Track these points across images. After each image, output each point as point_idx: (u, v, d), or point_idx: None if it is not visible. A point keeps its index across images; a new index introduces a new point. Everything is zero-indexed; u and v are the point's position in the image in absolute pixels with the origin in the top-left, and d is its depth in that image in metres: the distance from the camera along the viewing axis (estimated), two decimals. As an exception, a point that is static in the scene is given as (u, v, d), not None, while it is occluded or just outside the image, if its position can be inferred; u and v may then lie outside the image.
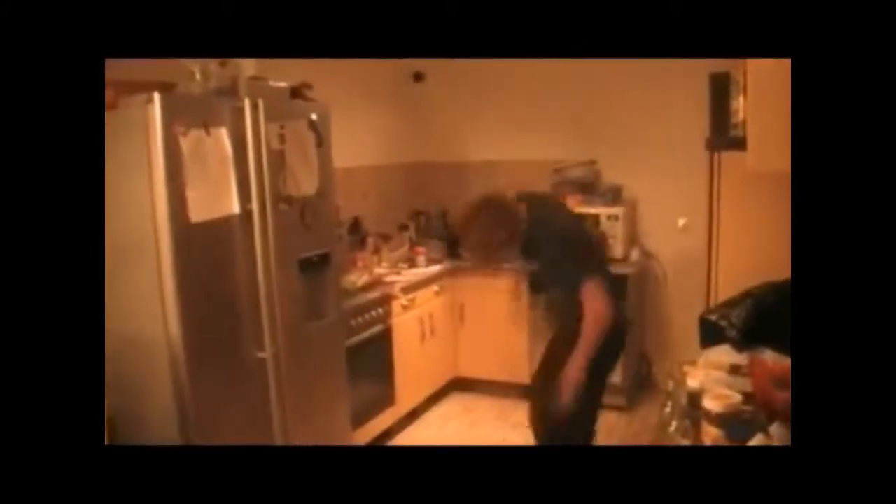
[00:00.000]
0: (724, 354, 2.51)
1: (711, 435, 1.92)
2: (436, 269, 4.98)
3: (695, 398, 2.08)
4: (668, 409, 2.14)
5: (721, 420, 1.92)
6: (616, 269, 4.72)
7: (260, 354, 3.01)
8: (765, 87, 1.94)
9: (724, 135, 2.96)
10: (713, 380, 2.30)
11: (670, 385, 2.31)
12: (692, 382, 2.14)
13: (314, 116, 3.29)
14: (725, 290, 2.78)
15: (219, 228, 2.82)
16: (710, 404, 1.95)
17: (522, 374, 5.03)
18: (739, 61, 2.78)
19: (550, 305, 3.49)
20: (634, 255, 5.06)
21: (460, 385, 5.35)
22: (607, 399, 4.70)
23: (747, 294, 2.59)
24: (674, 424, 2.00)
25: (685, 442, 1.95)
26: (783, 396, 2.02)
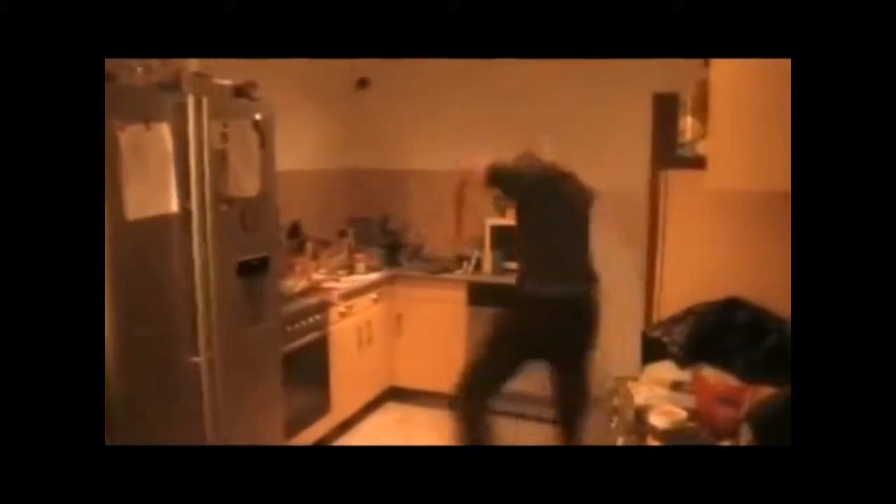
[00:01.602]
0: (666, 371, 2.53)
1: (657, 451, 1.92)
2: (374, 276, 4.93)
3: (641, 414, 2.08)
4: (613, 425, 2.14)
5: (667, 436, 1.92)
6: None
7: (194, 359, 2.92)
8: (725, 108, 1.95)
9: (670, 154, 2.99)
10: (656, 395, 2.31)
11: (615, 400, 2.31)
12: (638, 398, 2.14)
13: (258, 116, 3.21)
14: (668, 307, 2.81)
15: (156, 227, 2.71)
16: (656, 420, 1.95)
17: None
18: (688, 82, 2.82)
19: None
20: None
21: (396, 394, 5.30)
22: (538, 411, 4.74)
23: (689, 312, 2.62)
24: (621, 440, 1.99)
25: (632, 458, 1.94)
26: (726, 414, 2.04)
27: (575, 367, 3.82)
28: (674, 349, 2.54)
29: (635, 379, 2.55)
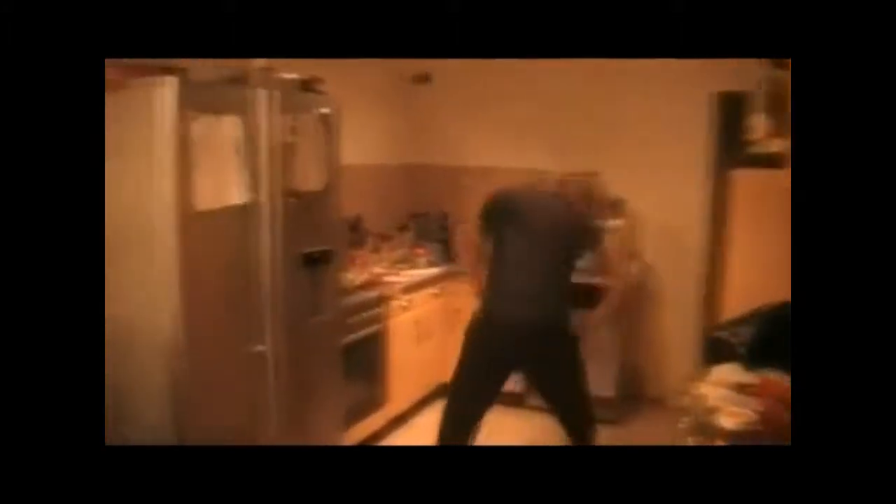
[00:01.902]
0: (731, 372, 2.50)
1: (724, 453, 1.89)
2: (434, 271, 4.94)
3: (709, 415, 2.06)
4: (682, 425, 2.12)
5: (735, 438, 1.90)
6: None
7: (259, 348, 2.96)
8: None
9: (736, 153, 2.95)
10: (721, 397, 2.27)
11: (686, 400, 2.28)
12: (710, 399, 2.12)
13: (327, 110, 3.25)
14: (732, 307, 2.77)
15: (225, 218, 2.77)
16: (724, 422, 1.92)
17: (514, 381, 5.00)
18: (757, 81, 2.78)
19: None
20: (633, 268, 5.04)
21: (451, 390, 5.30)
22: (598, 411, 4.71)
23: (758, 312, 2.58)
24: (690, 441, 1.98)
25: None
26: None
27: (553, 394, 3.57)
28: (741, 350, 2.50)
29: (698, 380, 2.52)
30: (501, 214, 3.41)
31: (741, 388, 2.39)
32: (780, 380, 2.24)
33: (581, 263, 3.60)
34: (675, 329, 5.06)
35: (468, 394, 3.48)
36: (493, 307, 3.39)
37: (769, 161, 2.43)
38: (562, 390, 3.49)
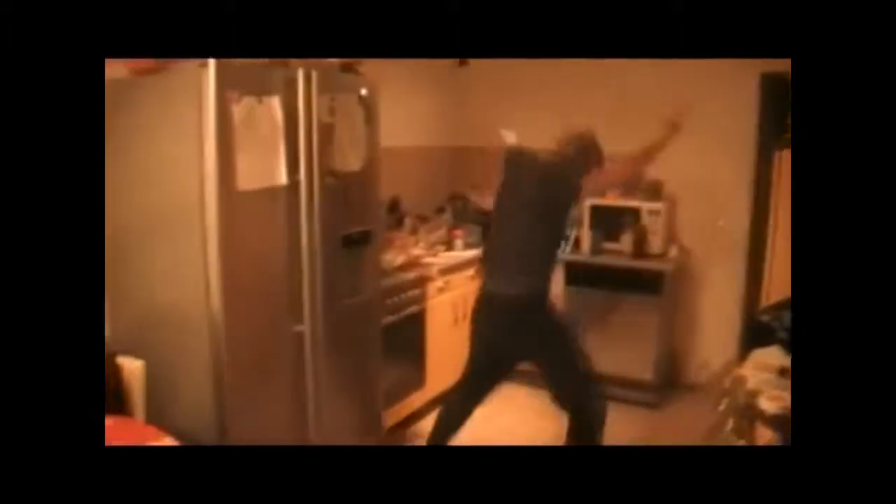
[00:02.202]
0: (773, 356, 2.47)
1: (766, 437, 1.88)
2: (472, 253, 4.94)
3: (750, 398, 2.04)
4: (722, 408, 2.10)
5: (776, 422, 1.88)
6: (654, 266, 4.70)
7: (298, 328, 2.99)
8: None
9: (781, 134, 2.91)
10: (763, 381, 2.25)
11: (727, 382, 2.26)
12: (750, 382, 2.10)
13: (364, 92, 3.25)
14: (775, 290, 2.73)
15: (265, 198, 2.79)
16: (766, 405, 1.91)
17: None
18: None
19: None
20: (672, 251, 4.99)
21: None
22: (636, 395, 4.70)
23: (802, 296, 2.54)
24: (730, 423, 1.96)
25: (741, 443, 1.90)
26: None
27: (553, 373, 3.50)
28: (783, 335, 2.47)
29: (739, 363, 2.49)
30: (501, 183, 3.49)
31: (783, 373, 2.36)
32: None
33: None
34: (716, 313, 5.01)
35: (468, 379, 3.58)
36: (484, 283, 3.44)
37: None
38: (553, 366, 3.47)
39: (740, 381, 2.16)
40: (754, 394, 2.03)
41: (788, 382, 2.24)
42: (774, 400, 1.94)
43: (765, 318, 2.55)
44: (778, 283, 2.73)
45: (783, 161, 2.74)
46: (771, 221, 2.75)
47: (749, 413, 2.00)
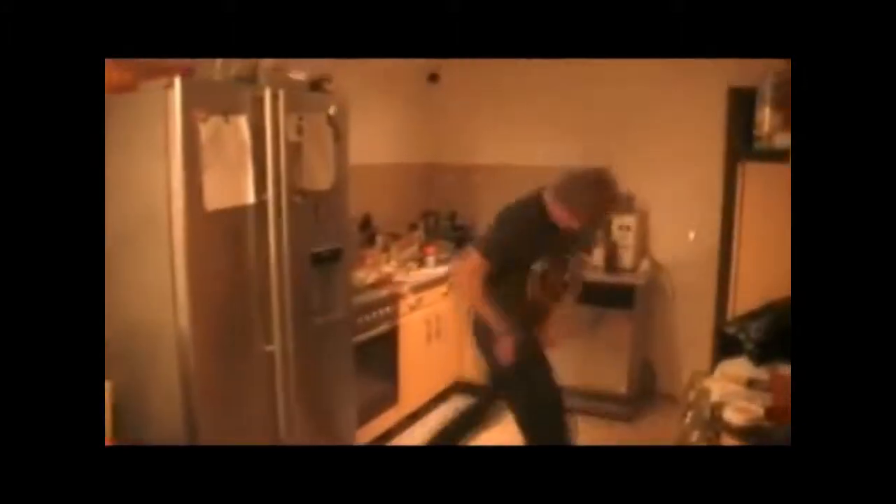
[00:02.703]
0: (741, 368, 2.49)
1: (732, 448, 1.88)
2: (444, 269, 4.94)
3: (716, 410, 2.05)
4: (688, 420, 2.11)
5: (742, 433, 1.89)
6: (625, 280, 4.73)
7: (268, 347, 2.97)
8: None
9: (747, 147, 2.94)
10: (730, 392, 2.26)
11: (691, 395, 2.27)
12: (713, 395, 2.11)
13: (333, 110, 3.25)
14: (744, 302, 2.75)
15: (233, 218, 2.78)
16: (731, 416, 1.91)
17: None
18: (765, 75, 2.77)
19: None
20: (644, 265, 5.03)
21: (464, 388, 5.31)
22: (610, 408, 4.71)
23: (768, 307, 2.56)
24: (696, 435, 1.97)
25: (707, 454, 1.91)
26: (804, 412, 2.00)
27: None
28: (749, 346, 2.49)
29: (709, 374, 2.51)
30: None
31: (751, 384, 2.38)
32: (789, 374, 2.23)
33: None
34: (689, 325, 5.04)
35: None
36: None
37: (777, 155, 2.42)
38: None
39: (705, 393, 2.17)
40: (720, 406, 2.04)
41: (755, 394, 2.26)
42: (740, 412, 1.95)
43: (731, 330, 2.57)
44: (744, 296, 2.75)
45: (748, 173, 2.76)
46: (736, 234, 2.78)
47: (714, 425, 2.01)
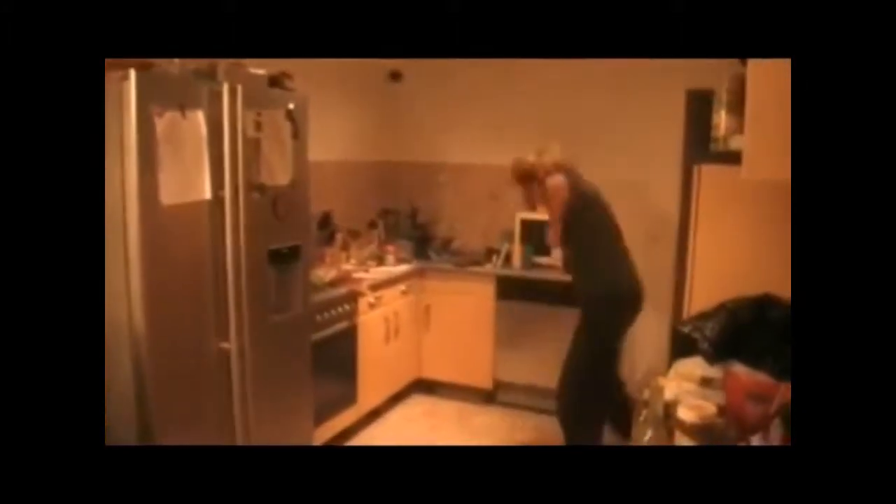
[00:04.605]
0: (695, 366, 2.52)
1: (685, 446, 1.91)
2: (404, 268, 4.94)
3: (669, 408, 2.07)
4: (642, 418, 2.13)
5: (695, 431, 1.91)
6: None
7: (224, 345, 2.94)
8: (763, 98, 1.94)
9: (703, 149, 2.97)
10: (685, 391, 2.29)
11: (646, 394, 2.30)
12: (667, 393, 2.13)
13: (292, 106, 3.23)
14: (698, 302, 2.79)
15: (189, 214, 2.74)
16: (684, 415, 1.94)
17: (485, 378, 5.04)
18: (722, 78, 2.80)
19: None
20: (602, 265, 5.06)
21: (423, 386, 5.32)
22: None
23: (722, 307, 2.60)
24: (649, 434, 1.99)
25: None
26: (756, 410, 2.03)
27: None
28: (704, 345, 2.52)
29: (664, 374, 2.53)
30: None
31: (705, 383, 2.41)
32: (743, 372, 2.26)
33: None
34: (646, 324, 5.08)
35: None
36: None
37: (732, 157, 2.45)
38: None
39: (659, 391, 2.20)
40: (673, 404, 2.07)
41: (709, 392, 2.29)
42: (693, 409, 1.97)
43: (686, 329, 2.60)
44: (699, 296, 2.78)
45: (703, 175, 2.80)
46: (691, 234, 2.82)
47: (668, 423, 2.03)
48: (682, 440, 1.93)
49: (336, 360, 4.16)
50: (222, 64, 2.93)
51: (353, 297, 4.30)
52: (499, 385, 5.10)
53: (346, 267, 4.58)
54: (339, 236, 4.85)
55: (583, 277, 3.97)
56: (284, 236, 3.29)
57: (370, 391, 4.57)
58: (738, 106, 2.71)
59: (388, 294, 4.70)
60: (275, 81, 3.29)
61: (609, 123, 5.17)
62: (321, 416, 3.94)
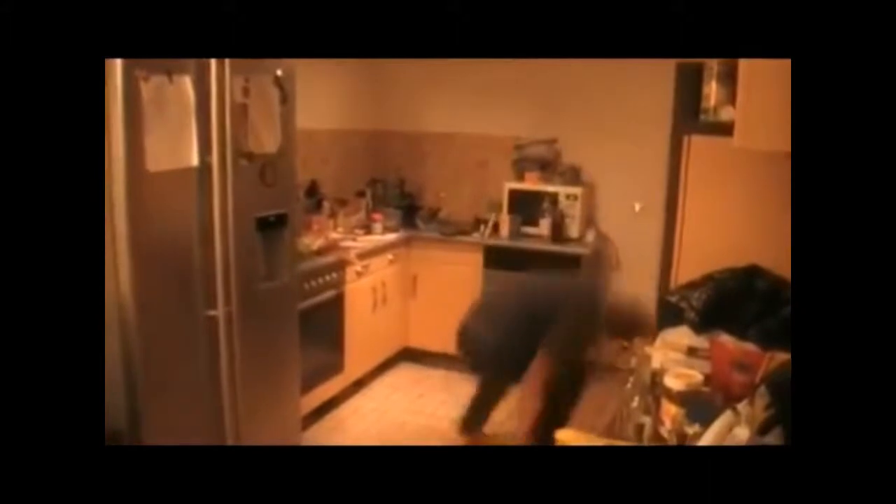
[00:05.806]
0: (681, 336, 2.54)
1: (671, 413, 1.92)
2: (391, 237, 4.94)
3: (656, 377, 2.09)
4: (629, 386, 2.15)
5: (682, 398, 1.93)
6: (571, 249, 4.79)
7: (211, 313, 2.93)
8: (756, 68, 1.94)
9: (693, 121, 2.98)
10: (671, 360, 2.31)
11: (633, 362, 2.32)
12: (654, 362, 2.15)
13: (280, 73, 3.20)
14: (686, 273, 2.81)
15: (176, 180, 2.72)
16: (671, 382, 1.95)
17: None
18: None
19: None
20: (590, 236, 5.09)
21: (410, 355, 5.34)
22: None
23: (709, 278, 2.62)
24: (636, 400, 2.00)
25: (646, 419, 1.95)
26: (741, 379, 2.05)
27: None
28: (691, 315, 2.54)
29: (650, 343, 2.56)
30: None
31: (691, 352, 2.44)
32: (729, 342, 2.29)
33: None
34: (634, 294, 5.12)
35: None
36: None
37: (721, 128, 2.45)
38: None
39: (646, 360, 2.21)
40: (660, 372, 2.09)
41: (695, 361, 2.31)
42: (679, 377, 1.99)
43: (674, 299, 2.62)
44: (686, 266, 2.80)
45: (692, 146, 2.81)
46: (680, 205, 2.83)
47: (655, 391, 2.05)
48: (667, 406, 1.95)
49: (323, 329, 4.17)
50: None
51: (341, 266, 4.29)
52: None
53: (334, 235, 4.57)
54: (326, 204, 4.83)
55: None
56: (272, 204, 3.27)
57: (357, 360, 4.59)
58: (728, 77, 2.72)
59: (376, 263, 4.70)
60: (262, 47, 3.25)
61: (598, 92, 5.16)
62: (308, 385, 3.95)
